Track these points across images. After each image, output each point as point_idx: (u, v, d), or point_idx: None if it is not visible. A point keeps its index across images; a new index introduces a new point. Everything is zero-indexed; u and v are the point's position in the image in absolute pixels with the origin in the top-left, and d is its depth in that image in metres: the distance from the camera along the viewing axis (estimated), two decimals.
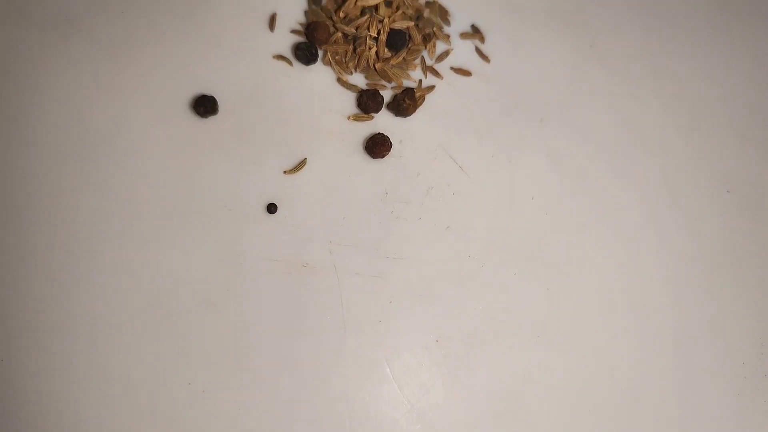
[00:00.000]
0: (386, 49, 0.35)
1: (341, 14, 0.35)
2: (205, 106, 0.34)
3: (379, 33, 0.35)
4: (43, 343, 0.31)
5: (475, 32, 0.37)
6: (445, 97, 0.35)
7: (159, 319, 0.31)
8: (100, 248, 0.32)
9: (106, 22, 0.35)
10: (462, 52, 0.36)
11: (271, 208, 0.33)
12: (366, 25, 0.35)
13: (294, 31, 0.36)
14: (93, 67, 0.35)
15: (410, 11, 0.36)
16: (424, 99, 0.35)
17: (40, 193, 0.32)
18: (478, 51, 0.36)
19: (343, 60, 0.35)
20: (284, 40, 0.36)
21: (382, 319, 0.32)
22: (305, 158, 0.34)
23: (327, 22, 0.35)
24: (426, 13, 0.36)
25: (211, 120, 0.34)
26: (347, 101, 0.35)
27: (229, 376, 0.31)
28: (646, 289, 0.34)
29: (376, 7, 0.35)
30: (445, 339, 0.32)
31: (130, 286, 0.32)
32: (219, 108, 0.34)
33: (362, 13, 0.35)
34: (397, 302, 0.32)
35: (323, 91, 0.35)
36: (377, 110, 0.34)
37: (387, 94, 0.35)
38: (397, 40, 0.35)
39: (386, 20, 0.35)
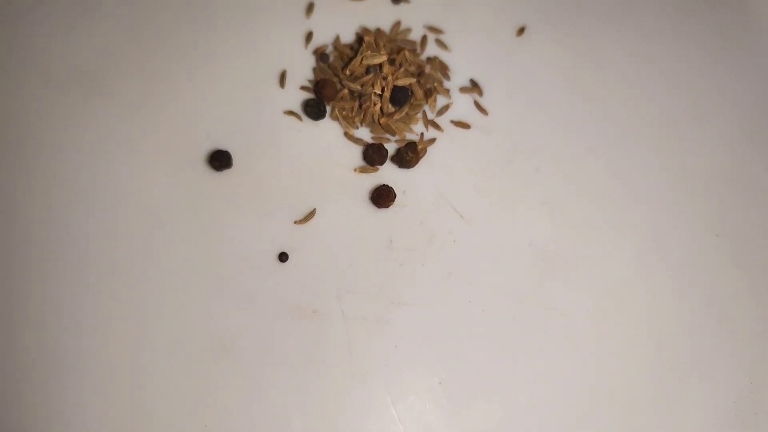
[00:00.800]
0: (390, 105, 0.37)
1: (347, 72, 0.37)
2: (220, 160, 0.36)
3: (383, 90, 0.37)
4: (59, 386, 0.33)
5: (474, 86, 0.39)
6: (445, 149, 0.38)
7: (177, 363, 0.33)
8: (119, 295, 0.34)
9: (127, 81, 0.38)
10: (461, 105, 0.39)
11: (283, 257, 0.35)
12: (371, 82, 0.37)
13: (303, 88, 0.38)
14: (113, 123, 0.37)
15: (412, 68, 0.38)
16: (426, 151, 0.37)
17: (60, 246, 0.35)
18: (477, 104, 0.39)
19: (350, 115, 0.37)
20: (294, 96, 0.38)
21: (387, 363, 0.34)
22: (314, 209, 0.36)
23: (334, 80, 0.38)
24: (427, 69, 0.39)
25: (226, 173, 0.36)
26: (354, 154, 0.37)
27: (243, 418, 0.33)
28: (637, 332, 0.35)
29: (380, 66, 0.37)
30: (447, 381, 0.34)
31: (148, 331, 0.34)
32: (233, 162, 0.36)
33: (367, 71, 0.37)
34: (402, 346, 0.34)
35: (331, 144, 0.37)
36: (382, 163, 0.37)
37: (391, 147, 0.37)
38: (400, 96, 0.37)
39: (390, 78, 0.37)
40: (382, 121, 0.37)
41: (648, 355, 0.35)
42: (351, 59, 0.38)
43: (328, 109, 0.38)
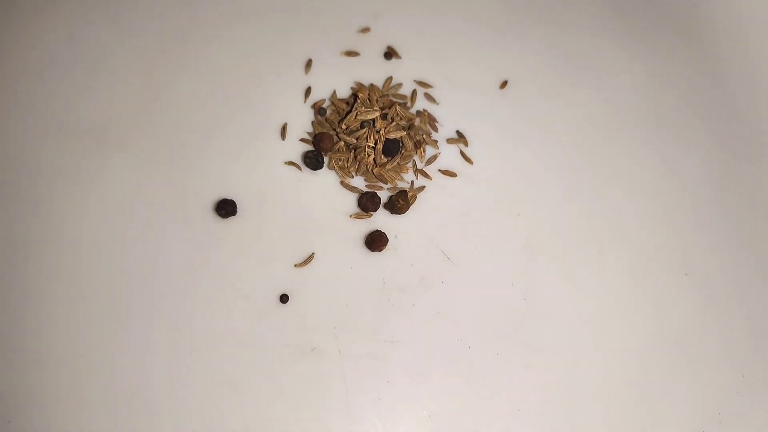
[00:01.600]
0: (383, 156, 0.40)
1: (344, 126, 0.41)
2: (225, 209, 0.39)
3: (376, 143, 0.40)
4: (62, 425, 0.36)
5: (460, 137, 0.42)
6: (434, 196, 0.41)
7: (183, 399, 0.36)
8: (128, 334, 0.37)
9: (139, 134, 0.41)
10: (448, 155, 0.42)
11: (284, 298, 0.38)
12: (365, 135, 0.40)
13: (302, 140, 0.41)
14: (127, 172, 0.40)
15: (403, 122, 0.41)
16: (416, 198, 0.40)
17: (72, 288, 0.38)
18: (463, 154, 0.42)
19: (346, 166, 0.40)
20: (294, 148, 0.41)
21: (381, 397, 0.36)
22: (313, 252, 0.39)
23: (331, 133, 0.41)
24: (417, 121, 0.42)
25: (231, 220, 0.39)
26: (349, 202, 0.40)
27: None
28: (613, 368, 0.38)
29: (373, 121, 0.41)
30: (436, 415, 0.36)
31: (156, 369, 0.36)
32: (238, 210, 0.39)
33: (361, 125, 0.40)
34: (394, 382, 0.37)
35: (328, 193, 0.40)
36: (375, 209, 0.40)
37: (384, 195, 0.40)
38: (391, 148, 0.40)
39: (382, 131, 0.40)
40: (376, 170, 0.40)
41: (624, 390, 0.38)
42: (347, 114, 0.41)
43: (326, 159, 0.41)
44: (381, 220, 0.40)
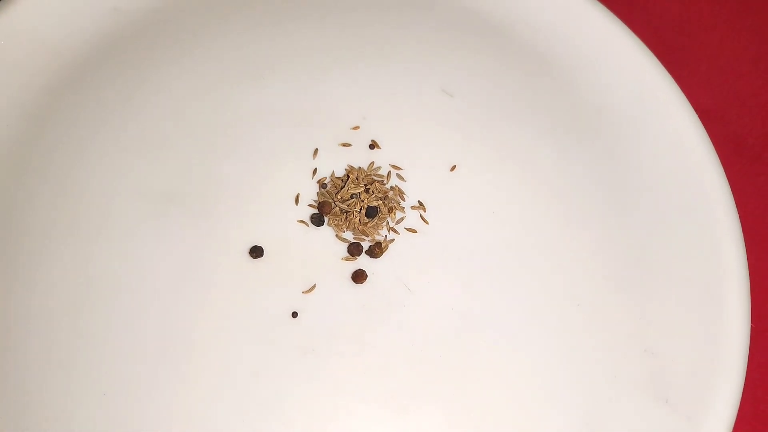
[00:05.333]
0: (365, 218, 0.54)
1: (339, 196, 0.54)
2: (256, 252, 0.53)
3: (361, 209, 0.53)
4: None
5: (420, 205, 0.56)
6: (400, 246, 0.53)
7: (205, 396, 0.48)
8: (169, 361, 0.48)
9: (194, 198, 0.53)
10: (411, 218, 0.54)
11: (294, 315, 0.53)
12: (353, 203, 0.55)
13: (310, 205, 0.53)
14: (186, 228, 0.52)
15: (380, 194, 0.56)
16: (388, 247, 0.53)
17: (114, 325, 0.49)
18: (422, 217, 0.54)
19: (340, 224, 0.54)
20: (304, 210, 0.53)
21: (355, 383, 0.52)
22: (315, 284, 0.51)
23: (330, 201, 0.55)
24: (390, 194, 0.56)
25: (260, 260, 0.52)
26: (341, 249, 0.52)
27: None
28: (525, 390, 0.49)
29: (359, 193, 0.56)
30: (398, 401, 0.48)
31: (199, 384, 0.48)
32: (264, 253, 0.52)
33: (351, 196, 0.53)
34: (366, 373, 0.52)
35: (327, 242, 0.53)
36: (359, 255, 0.52)
37: (366, 245, 0.52)
38: (371, 212, 0.53)
39: (365, 201, 0.55)
40: (360, 228, 0.53)
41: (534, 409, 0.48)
42: (341, 188, 0.56)
43: (326, 219, 0.53)
44: (363, 262, 0.52)
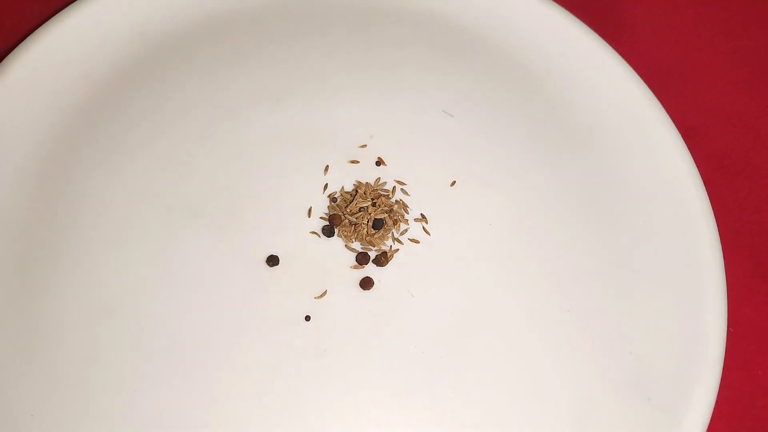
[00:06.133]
0: (372, 229, 0.57)
1: (348, 210, 0.57)
2: (272, 261, 0.57)
3: (368, 221, 0.56)
4: None
5: (423, 218, 0.58)
6: (405, 256, 0.56)
7: (225, 395, 0.51)
8: (184, 370, 0.51)
9: (216, 210, 0.55)
10: (415, 229, 0.56)
11: (307, 318, 0.56)
12: (361, 216, 0.57)
13: (321, 218, 0.56)
14: (209, 239, 0.55)
15: (386, 207, 0.61)
16: (393, 256, 0.56)
17: (135, 330, 0.52)
18: (424, 229, 0.57)
19: (349, 235, 0.57)
20: (316, 223, 0.56)
21: (360, 381, 0.56)
22: (326, 289, 0.55)
23: (340, 214, 0.59)
24: (395, 207, 0.60)
25: (276, 268, 0.55)
26: (350, 258, 0.55)
27: None
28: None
29: (367, 207, 0.57)
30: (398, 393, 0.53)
31: (218, 383, 0.51)
32: (280, 261, 0.55)
33: (359, 209, 0.56)
34: (373, 370, 0.56)
35: (338, 253, 0.56)
36: (366, 264, 0.55)
37: (372, 254, 0.55)
38: (378, 224, 0.56)
39: (372, 213, 0.59)
40: (367, 238, 0.55)
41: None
42: (350, 201, 0.59)
43: (336, 231, 0.56)
44: (370, 270, 0.55)
